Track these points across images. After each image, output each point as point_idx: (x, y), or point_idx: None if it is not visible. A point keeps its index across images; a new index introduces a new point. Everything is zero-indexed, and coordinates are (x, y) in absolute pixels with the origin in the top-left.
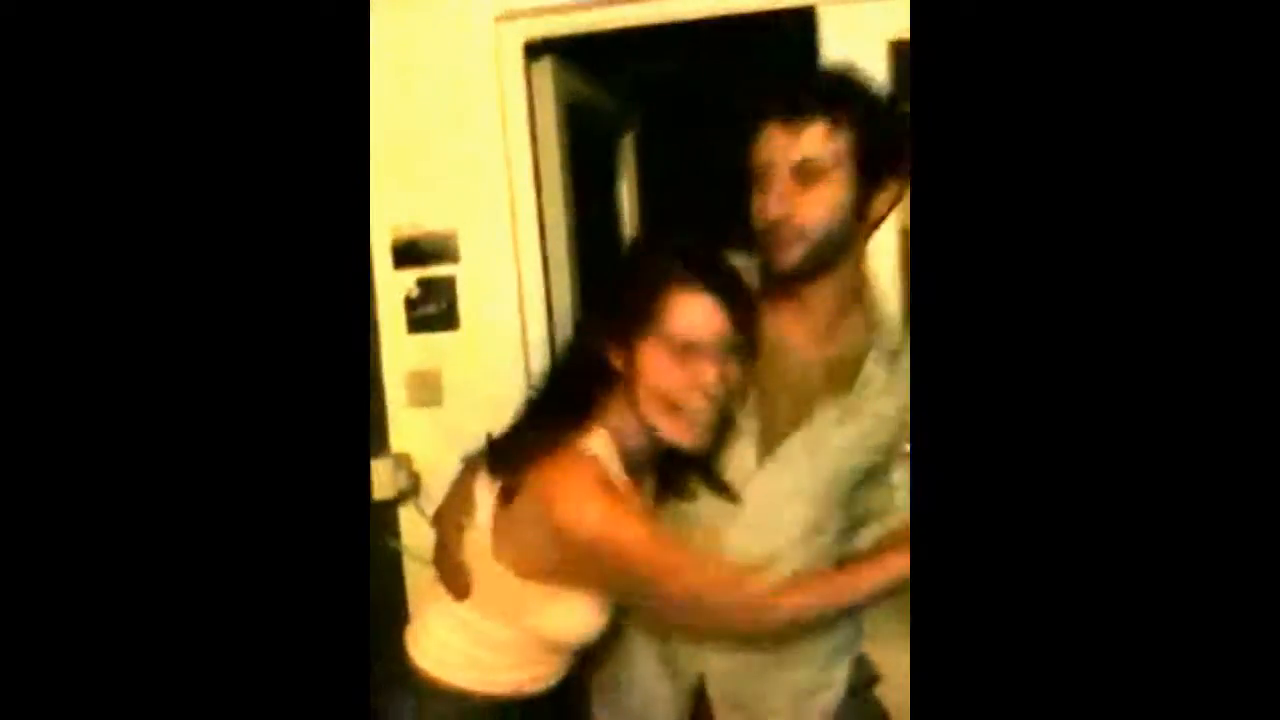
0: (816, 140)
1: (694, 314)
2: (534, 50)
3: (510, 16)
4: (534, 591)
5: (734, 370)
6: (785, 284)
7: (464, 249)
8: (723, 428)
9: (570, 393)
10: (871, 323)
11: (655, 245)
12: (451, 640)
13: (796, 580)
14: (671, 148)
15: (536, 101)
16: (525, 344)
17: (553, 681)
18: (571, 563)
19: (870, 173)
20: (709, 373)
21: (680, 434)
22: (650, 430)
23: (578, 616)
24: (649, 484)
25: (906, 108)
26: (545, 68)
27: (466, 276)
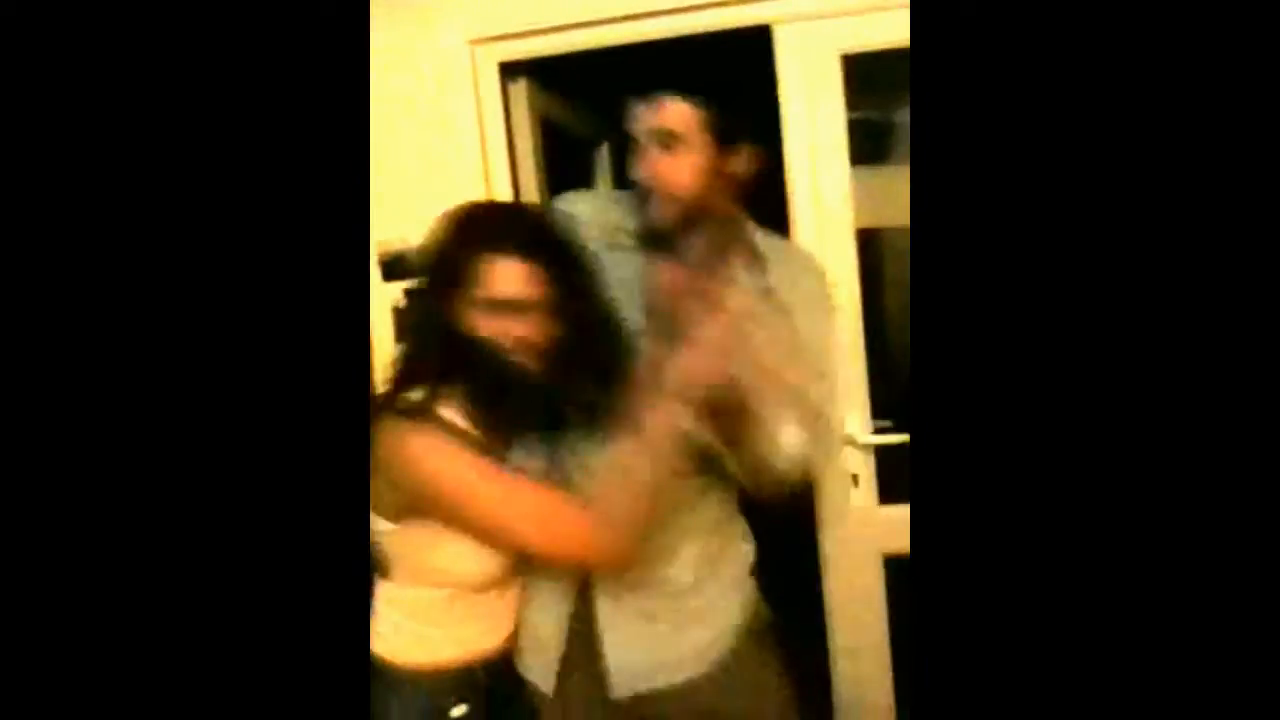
0: (673, 113)
1: (513, 276)
2: (509, 70)
3: (484, 40)
4: (417, 538)
5: (550, 324)
6: (663, 239)
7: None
8: (563, 370)
9: (424, 358)
10: (748, 264)
11: (473, 214)
12: (394, 622)
13: (598, 502)
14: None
15: (513, 119)
16: None
17: (495, 644)
18: (422, 502)
19: (723, 138)
20: (519, 328)
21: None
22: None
23: (464, 553)
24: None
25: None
26: (520, 88)
27: None
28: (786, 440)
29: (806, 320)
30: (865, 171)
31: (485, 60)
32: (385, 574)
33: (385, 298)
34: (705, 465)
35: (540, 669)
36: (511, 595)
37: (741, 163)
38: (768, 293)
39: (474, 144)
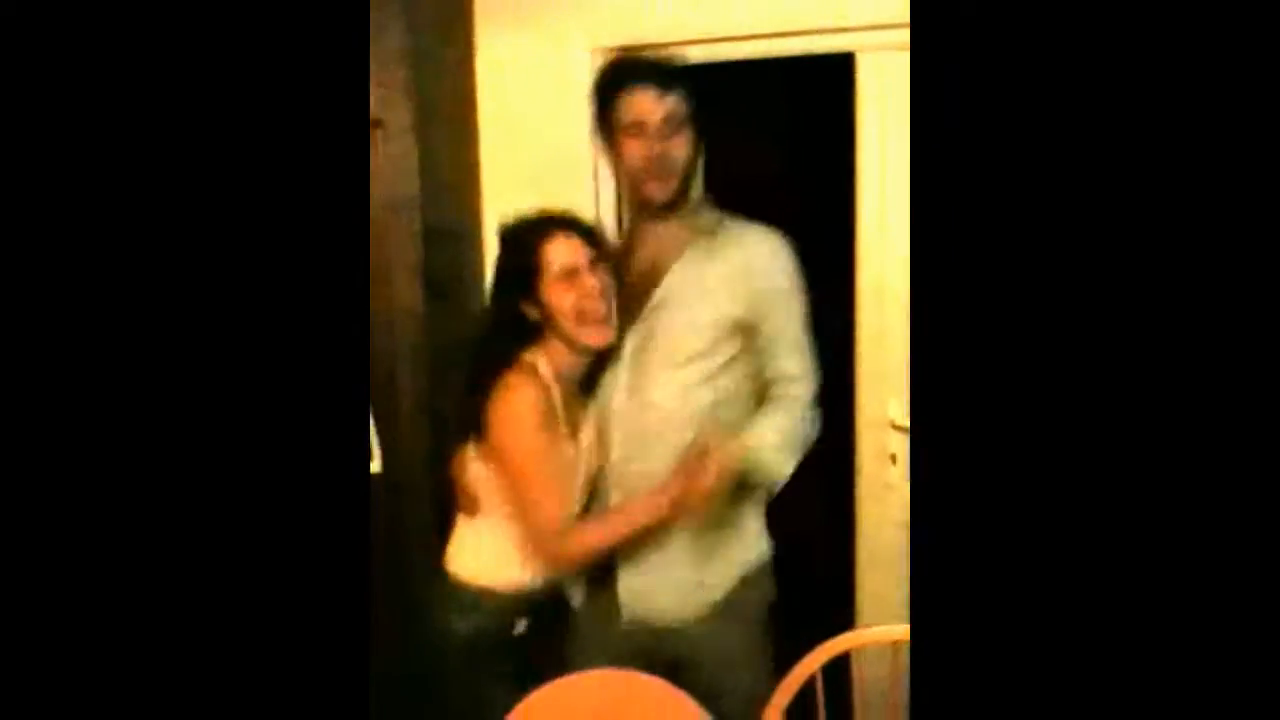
0: (677, 102)
1: (563, 250)
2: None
3: (604, 51)
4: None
5: (605, 277)
6: (651, 217)
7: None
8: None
9: (499, 343)
10: (693, 230)
11: (526, 221)
12: (473, 550)
13: (584, 524)
14: (732, 158)
15: None
16: None
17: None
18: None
19: (699, 125)
20: (589, 282)
21: (594, 337)
22: (574, 344)
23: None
24: (579, 399)
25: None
26: None
27: None
28: (765, 453)
29: (774, 312)
30: None
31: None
32: (472, 512)
33: None
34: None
35: (575, 591)
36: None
37: (700, 151)
38: (708, 253)
39: (587, 141)
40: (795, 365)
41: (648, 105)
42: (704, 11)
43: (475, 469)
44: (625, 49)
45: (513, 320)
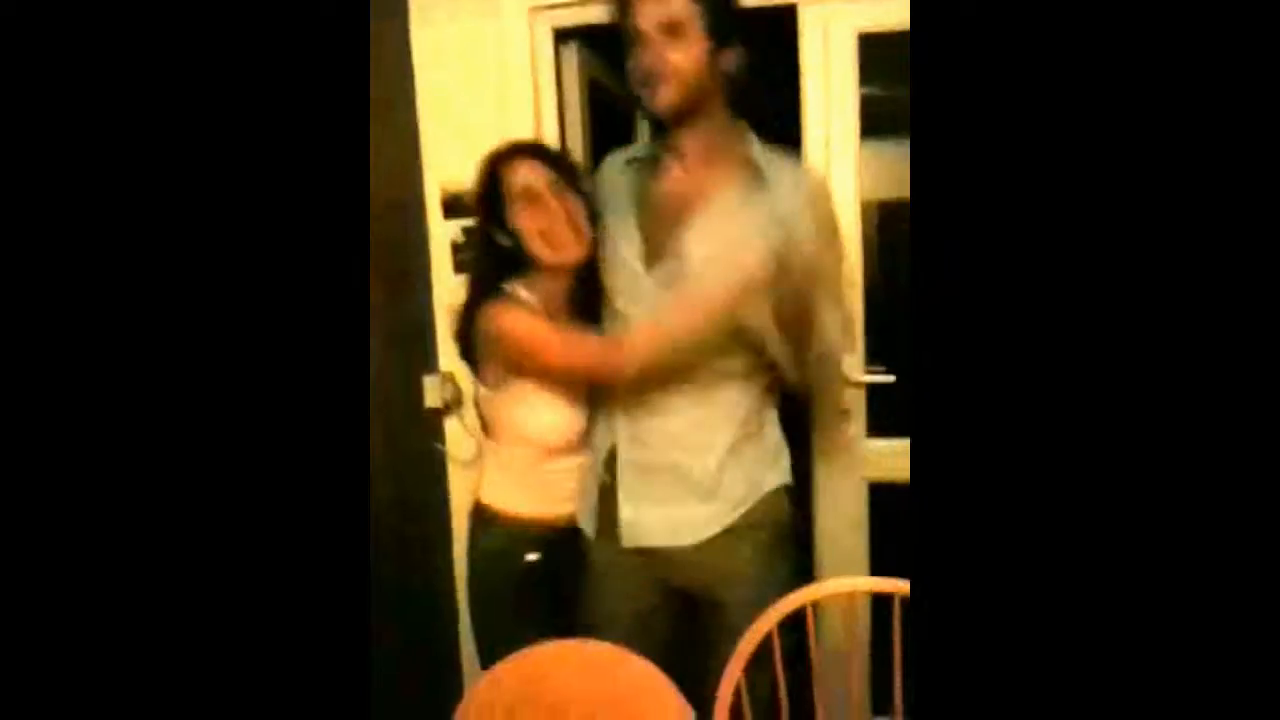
0: (677, 5)
1: (523, 173)
2: (562, 36)
3: (541, 7)
4: (508, 400)
5: (570, 199)
6: (664, 131)
7: None
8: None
9: (488, 269)
10: (746, 178)
11: (498, 147)
12: (492, 473)
13: (637, 328)
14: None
15: (564, 79)
16: None
17: (565, 509)
18: (508, 360)
19: (716, 36)
20: (554, 204)
21: (562, 256)
22: (544, 266)
23: (540, 410)
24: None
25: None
26: (571, 51)
27: None
28: (829, 334)
29: (814, 242)
30: (872, 146)
31: (541, 26)
32: (490, 434)
33: (446, 233)
34: (747, 355)
35: (586, 519)
36: (580, 469)
37: (732, 60)
38: (764, 207)
39: (528, 101)
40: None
41: (644, 13)
42: None
43: (481, 394)
44: (563, 5)
45: (490, 251)
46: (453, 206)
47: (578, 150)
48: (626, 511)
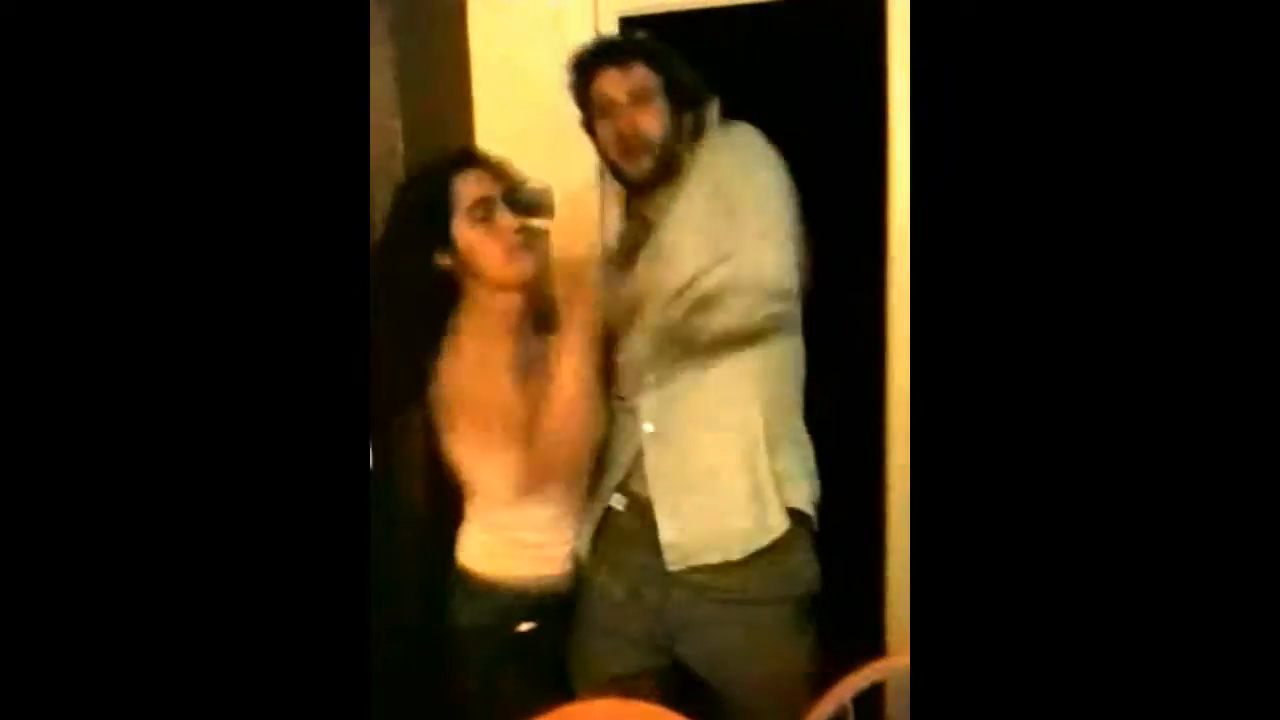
0: (641, 76)
1: (473, 183)
2: (629, 24)
3: None
4: (458, 454)
5: (515, 215)
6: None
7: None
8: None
9: (426, 302)
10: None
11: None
12: (475, 537)
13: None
14: (750, 113)
15: None
16: None
17: (555, 568)
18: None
19: (679, 101)
20: (506, 218)
21: (520, 272)
22: (494, 283)
23: (495, 468)
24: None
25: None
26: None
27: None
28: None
29: (751, 190)
30: None
31: (607, 13)
32: (462, 486)
33: None
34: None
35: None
36: (562, 519)
37: (689, 127)
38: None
39: None
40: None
41: (611, 84)
42: None
43: (444, 441)
44: None
45: (424, 278)
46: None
47: None
48: (669, 533)
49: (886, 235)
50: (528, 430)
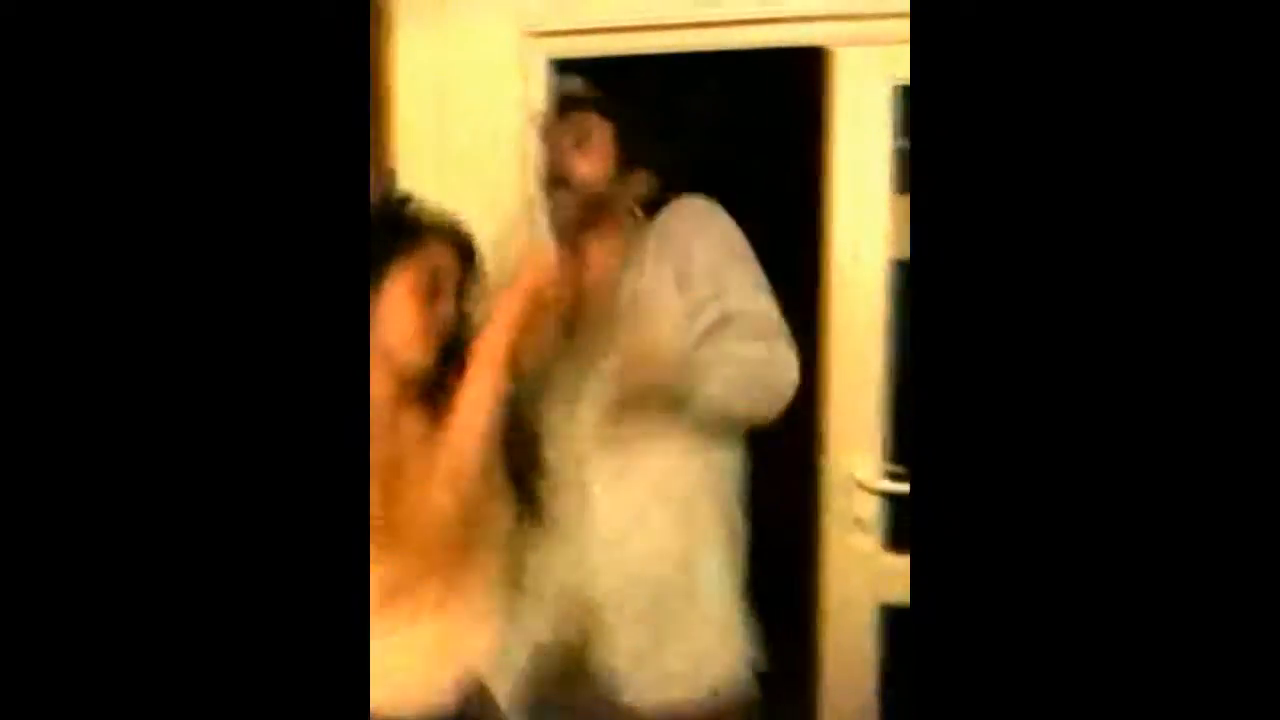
0: (591, 120)
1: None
2: (561, 67)
3: (538, 34)
4: None
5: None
6: (572, 235)
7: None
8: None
9: None
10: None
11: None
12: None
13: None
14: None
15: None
16: None
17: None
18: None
19: (627, 153)
20: (445, 307)
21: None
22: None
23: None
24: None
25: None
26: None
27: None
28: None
29: (703, 253)
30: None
31: (536, 55)
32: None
33: None
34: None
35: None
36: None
37: (639, 184)
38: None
39: (516, 136)
40: (753, 303)
41: (560, 128)
42: None
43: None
44: (559, 33)
45: None
46: None
47: None
48: (622, 661)
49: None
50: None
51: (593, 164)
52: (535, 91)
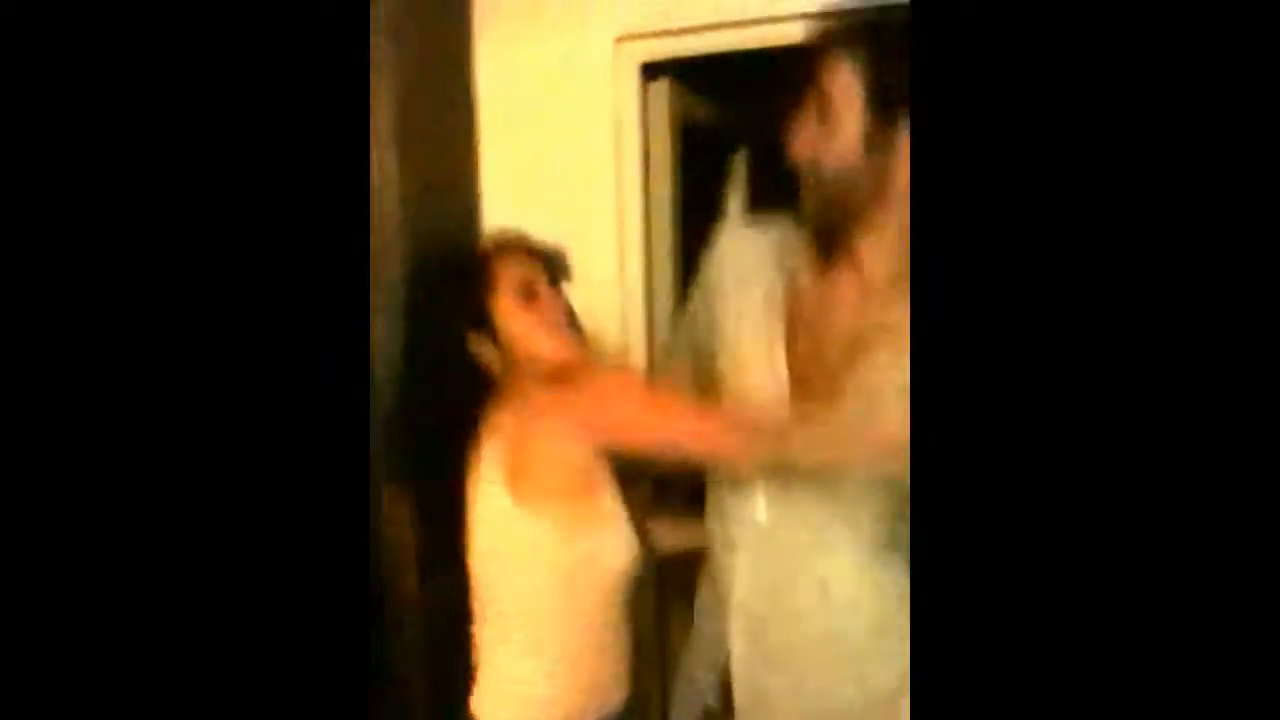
0: (828, 75)
1: (514, 265)
2: (650, 70)
3: (629, 38)
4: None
5: (560, 293)
6: (831, 238)
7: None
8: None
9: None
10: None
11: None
12: (502, 687)
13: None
14: (780, 163)
15: (651, 120)
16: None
17: (608, 709)
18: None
19: (892, 104)
20: (549, 295)
21: (568, 349)
22: (531, 366)
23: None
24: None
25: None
26: (662, 87)
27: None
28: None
29: None
30: None
31: (628, 59)
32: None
33: None
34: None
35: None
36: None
37: (902, 135)
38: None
39: (608, 146)
40: None
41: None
42: None
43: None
44: (654, 34)
45: (459, 367)
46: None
47: (666, 200)
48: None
49: None
50: None
51: (840, 138)
52: (627, 101)
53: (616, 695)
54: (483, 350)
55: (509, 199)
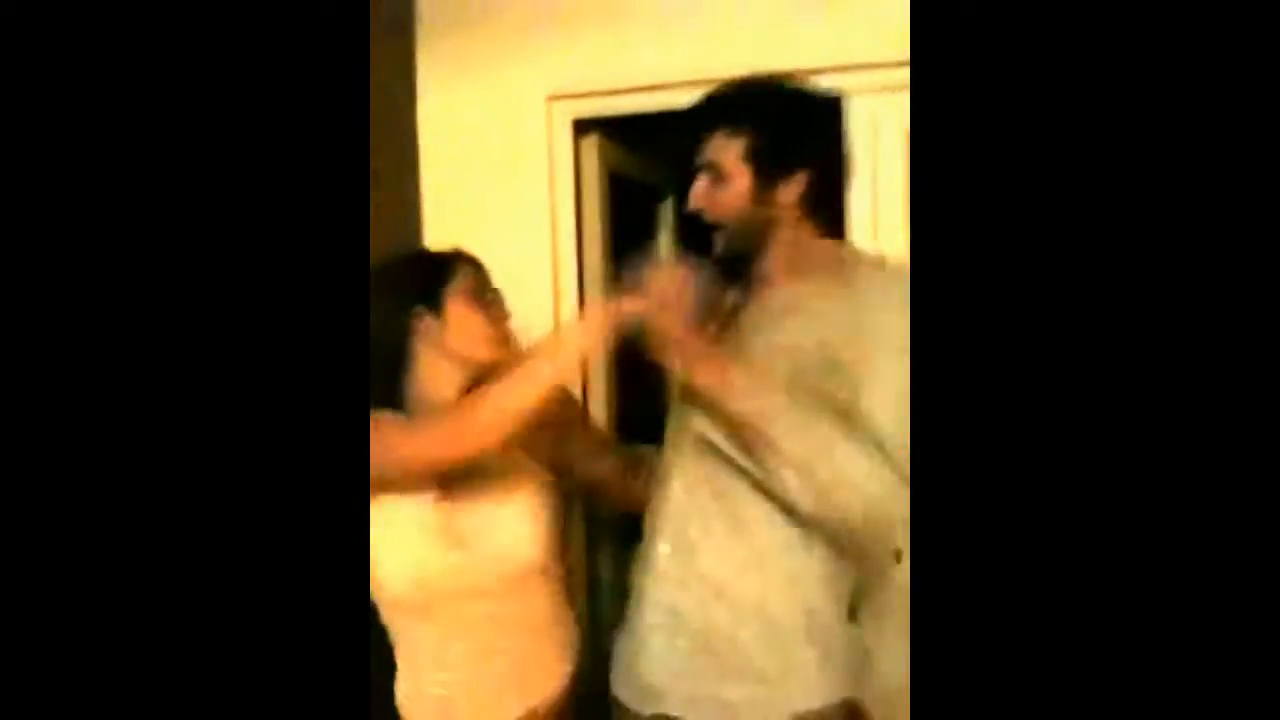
0: (715, 147)
1: (471, 273)
2: (582, 126)
3: (561, 96)
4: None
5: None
6: (733, 270)
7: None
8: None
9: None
10: (836, 284)
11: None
12: (418, 684)
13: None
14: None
15: (583, 172)
16: None
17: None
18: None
19: (772, 166)
20: (499, 304)
21: (499, 353)
22: (461, 360)
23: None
24: None
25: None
26: (592, 142)
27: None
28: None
29: (874, 372)
30: None
31: (560, 116)
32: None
33: None
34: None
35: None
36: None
37: (793, 190)
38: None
39: (543, 196)
40: None
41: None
42: (679, 51)
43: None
44: (586, 95)
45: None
46: None
47: (597, 245)
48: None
49: None
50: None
51: (731, 197)
52: (561, 155)
53: (550, 683)
54: (425, 323)
55: (449, 244)
